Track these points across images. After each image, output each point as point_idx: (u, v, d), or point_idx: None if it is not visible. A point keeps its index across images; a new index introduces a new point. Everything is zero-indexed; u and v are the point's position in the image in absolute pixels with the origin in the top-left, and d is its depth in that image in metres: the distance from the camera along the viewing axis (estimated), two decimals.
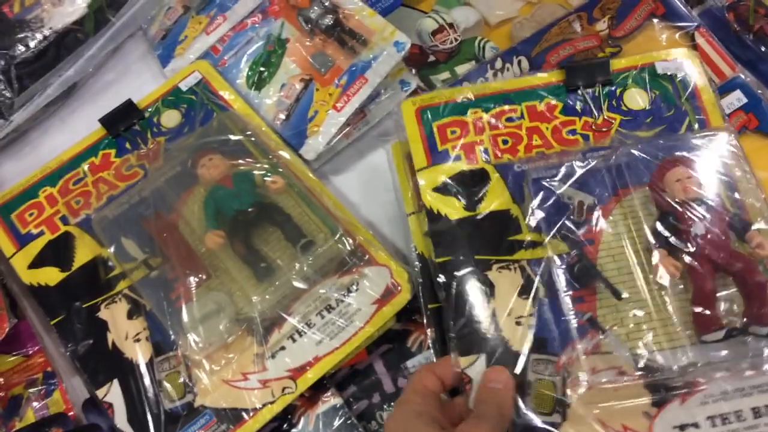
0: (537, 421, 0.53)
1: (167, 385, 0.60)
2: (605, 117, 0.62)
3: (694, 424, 0.52)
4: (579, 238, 0.57)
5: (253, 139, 0.68)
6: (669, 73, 0.63)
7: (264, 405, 0.59)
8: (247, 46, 0.77)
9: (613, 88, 0.64)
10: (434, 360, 0.61)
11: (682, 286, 0.54)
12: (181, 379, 0.60)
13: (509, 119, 0.63)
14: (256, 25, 0.77)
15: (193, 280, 0.62)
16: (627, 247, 0.57)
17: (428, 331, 0.61)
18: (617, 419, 0.53)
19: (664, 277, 0.54)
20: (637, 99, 0.63)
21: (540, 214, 0.58)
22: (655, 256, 0.54)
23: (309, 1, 0.75)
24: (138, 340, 0.62)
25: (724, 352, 0.52)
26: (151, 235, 0.64)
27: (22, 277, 0.66)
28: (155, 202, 0.66)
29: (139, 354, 0.62)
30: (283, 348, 0.60)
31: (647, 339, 0.53)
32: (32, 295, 0.65)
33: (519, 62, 0.70)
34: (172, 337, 0.61)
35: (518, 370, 0.55)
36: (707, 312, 0.53)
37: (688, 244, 0.54)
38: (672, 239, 0.55)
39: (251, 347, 0.61)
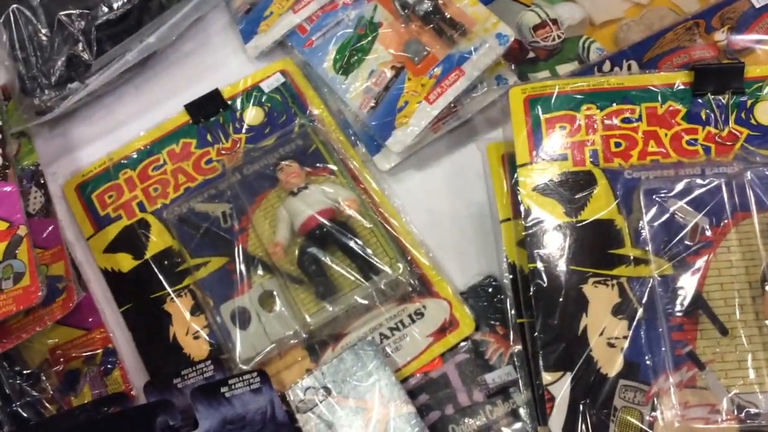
0: None
1: None
2: (731, 129, 0.58)
3: None
4: (689, 262, 0.53)
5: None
6: None
7: None
8: (336, 28, 0.73)
9: (744, 99, 0.58)
10: (518, 376, 0.57)
11: None
12: None
13: (625, 120, 0.59)
14: (348, 6, 0.74)
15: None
16: (738, 277, 0.52)
17: (513, 345, 0.58)
18: None
19: None
20: None
21: (649, 230, 0.54)
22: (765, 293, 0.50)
23: None
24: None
25: None
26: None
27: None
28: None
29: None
30: None
31: (748, 379, 0.50)
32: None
33: (629, 66, 0.66)
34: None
35: (605, 394, 0.52)
36: None
37: None
38: None
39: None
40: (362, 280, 0.61)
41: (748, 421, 0.49)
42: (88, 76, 0.72)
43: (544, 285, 0.54)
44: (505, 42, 0.65)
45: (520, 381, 0.57)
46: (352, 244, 0.62)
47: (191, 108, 0.71)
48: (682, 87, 0.59)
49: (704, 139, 0.58)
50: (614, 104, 0.59)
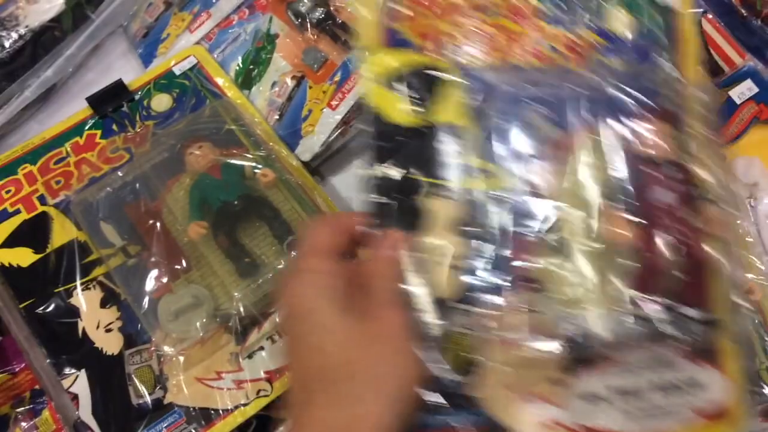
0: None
1: (136, 379, 0.58)
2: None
3: (603, 396, 0.47)
4: None
5: (245, 129, 0.65)
6: None
7: (237, 407, 0.56)
8: (234, 44, 0.73)
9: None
10: None
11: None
12: (152, 374, 0.58)
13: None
14: (243, 21, 0.74)
15: (172, 271, 0.59)
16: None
17: None
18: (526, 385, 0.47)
19: (609, 237, 0.47)
20: None
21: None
22: (605, 214, 0.47)
23: None
24: (109, 330, 0.60)
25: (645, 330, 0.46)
26: (132, 222, 0.62)
27: None
28: (139, 188, 0.63)
29: (110, 345, 0.59)
30: (261, 348, 0.58)
31: (575, 300, 0.46)
32: (2, 275, 0.62)
33: None
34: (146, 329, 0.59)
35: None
36: (648, 283, 0.47)
37: (645, 210, 0.47)
38: (629, 200, 0.47)
39: (228, 345, 0.59)
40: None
41: (570, 342, 0.46)
42: None
43: None
44: None
45: None
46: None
47: (93, 101, 0.69)
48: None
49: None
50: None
